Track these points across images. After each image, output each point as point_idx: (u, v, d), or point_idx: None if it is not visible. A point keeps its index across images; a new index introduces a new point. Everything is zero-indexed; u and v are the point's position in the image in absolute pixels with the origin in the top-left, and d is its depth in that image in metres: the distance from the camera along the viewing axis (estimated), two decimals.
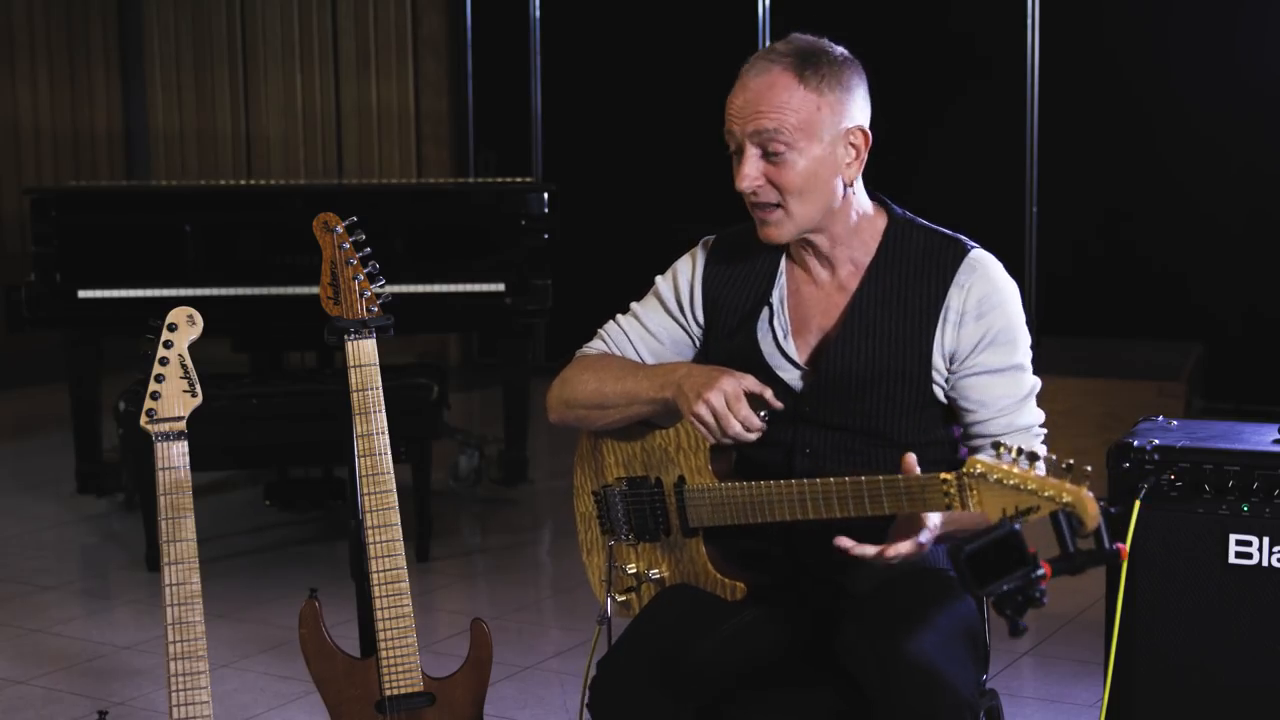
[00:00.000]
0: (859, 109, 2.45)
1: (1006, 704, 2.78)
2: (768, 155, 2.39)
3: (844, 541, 2.25)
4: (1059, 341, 6.85)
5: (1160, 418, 3.04)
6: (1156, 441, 2.83)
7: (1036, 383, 2.48)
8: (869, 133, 2.46)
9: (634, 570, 2.57)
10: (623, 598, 2.59)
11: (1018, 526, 1.95)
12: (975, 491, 2.10)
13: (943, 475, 2.17)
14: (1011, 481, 2.04)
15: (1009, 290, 2.46)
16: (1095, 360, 6.48)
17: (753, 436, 2.39)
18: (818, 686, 2.47)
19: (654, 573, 2.55)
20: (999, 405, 2.44)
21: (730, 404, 2.36)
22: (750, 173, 2.40)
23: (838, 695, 2.41)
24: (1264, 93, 7.10)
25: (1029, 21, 7.53)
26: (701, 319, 2.61)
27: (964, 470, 2.11)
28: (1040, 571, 1.92)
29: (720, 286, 2.58)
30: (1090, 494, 1.97)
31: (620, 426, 2.57)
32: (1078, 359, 6.25)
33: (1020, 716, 3.77)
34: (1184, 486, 2.79)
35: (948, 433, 2.52)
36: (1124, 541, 1.98)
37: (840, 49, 2.46)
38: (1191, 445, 2.82)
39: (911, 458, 2.25)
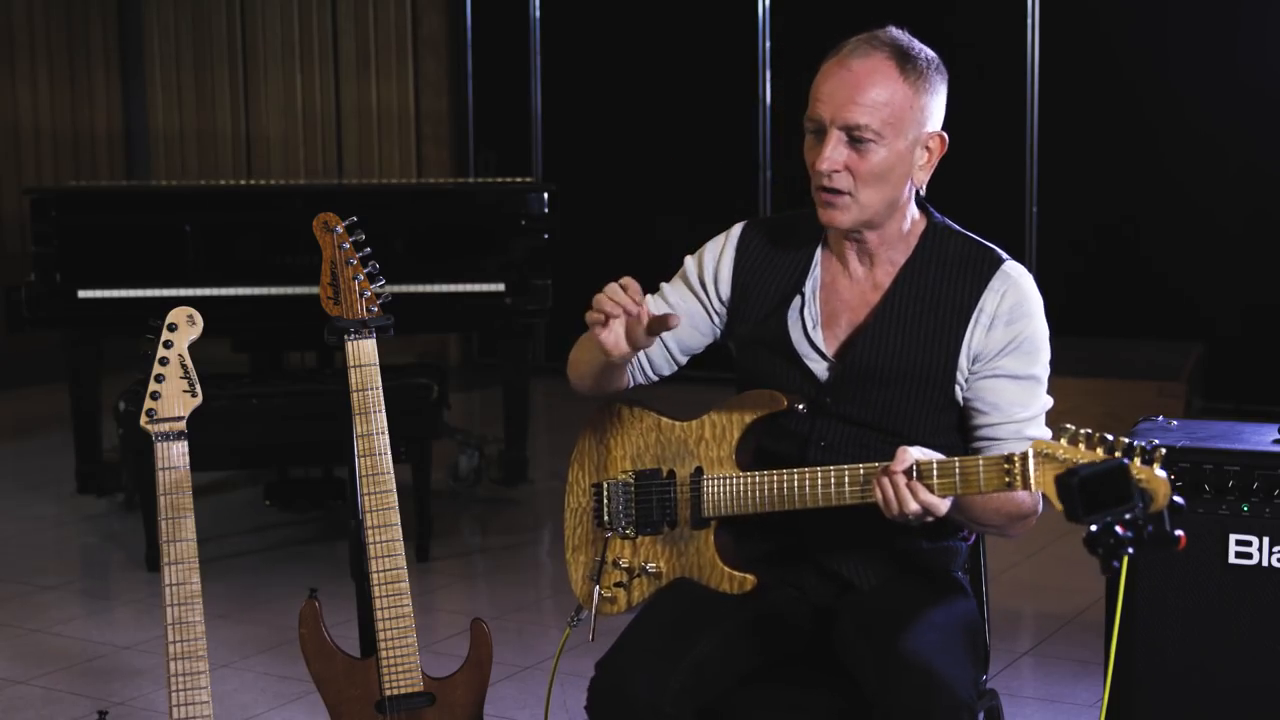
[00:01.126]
0: (940, 114, 2.47)
1: (1006, 704, 2.78)
2: (853, 141, 2.39)
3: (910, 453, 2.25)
4: (1059, 341, 6.84)
5: (1160, 418, 3.04)
6: (1156, 441, 2.83)
7: (1050, 402, 2.49)
8: (946, 139, 2.47)
9: (627, 564, 2.56)
10: (609, 593, 2.57)
11: (1126, 461, 1.96)
12: (1041, 470, 2.12)
13: (1006, 454, 2.18)
14: (1083, 461, 2.05)
15: (1039, 304, 2.48)
16: (1095, 360, 6.48)
17: (618, 306, 2.39)
18: (817, 685, 2.47)
19: (650, 566, 2.54)
20: (1010, 411, 2.44)
21: (607, 291, 2.40)
22: (833, 156, 2.39)
23: (837, 694, 2.41)
24: (1264, 93, 7.10)
25: (1029, 22, 7.53)
26: (726, 299, 2.61)
27: (1032, 450, 2.13)
28: (1139, 510, 1.93)
29: (751, 272, 2.58)
30: (1163, 474, 1.98)
31: (611, 382, 2.60)
32: (1078, 359, 6.25)
33: (1020, 716, 3.77)
34: (1184, 486, 2.79)
35: (961, 438, 2.52)
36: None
37: (931, 51, 2.48)
38: (1191, 445, 2.82)
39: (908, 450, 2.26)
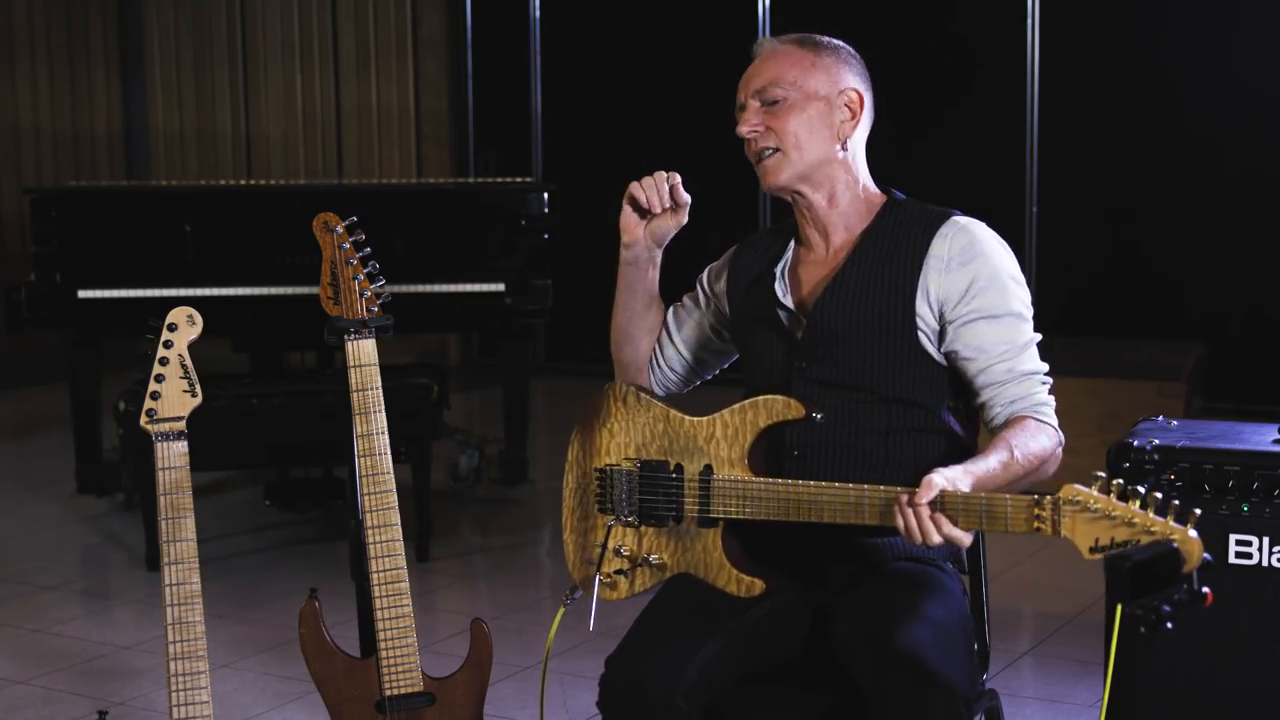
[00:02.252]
0: (854, 78, 2.60)
1: (1006, 704, 2.78)
2: (766, 104, 2.57)
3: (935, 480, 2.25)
4: (1059, 341, 6.86)
5: (1160, 418, 3.03)
6: (1156, 441, 2.83)
7: (1037, 336, 2.52)
8: (864, 96, 2.59)
9: (629, 553, 2.55)
10: (609, 580, 2.56)
11: (1175, 546, 1.95)
12: (1071, 518, 2.10)
13: (1035, 496, 2.16)
14: (1115, 514, 2.04)
15: (993, 243, 2.52)
16: (1095, 360, 6.47)
17: (656, 194, 2.66)
18: (818, 685, 2.47)
19: (653, 557, 2.52)
20: (998, 351, 2.47)
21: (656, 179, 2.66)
22: (750, 119, 2.58)
23: (837, 694, 2.41)
24: (1263, 93, 7.10)
25: (1029, 21, 7.53)
26: (719, 290, 2.76)
27: (1062, 496, 2.11)
28: (1184, 592, 1.94)
29: (742, 266, 2.73)
30: (1196, 536, 1.97)
31: (645, 313, 2.75)
32: (1078, 359, 6.25)
33: (1020, 716, 3.77)
34: (1184, 486, 2.79)
35: (936, 397, 2.52)
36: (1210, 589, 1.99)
37: (841, 42, 2.65)
38: (1191, 445, 2.82)
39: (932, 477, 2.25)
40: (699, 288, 2.80)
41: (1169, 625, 1.92)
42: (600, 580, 2.55)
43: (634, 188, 2.67)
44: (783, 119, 2.56)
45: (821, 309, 2.54)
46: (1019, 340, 2.48)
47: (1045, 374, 2.50)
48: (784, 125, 2.56)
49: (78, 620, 4.66)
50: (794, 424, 2.49)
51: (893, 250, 2.53)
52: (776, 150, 2.57)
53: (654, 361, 2.79)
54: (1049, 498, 2.13)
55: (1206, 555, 1.98)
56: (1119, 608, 2.33)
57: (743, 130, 2.59)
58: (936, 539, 2.22)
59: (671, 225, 2.67)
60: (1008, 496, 2.20)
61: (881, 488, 2.32)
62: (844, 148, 2.58)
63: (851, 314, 2.52)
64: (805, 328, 2.55)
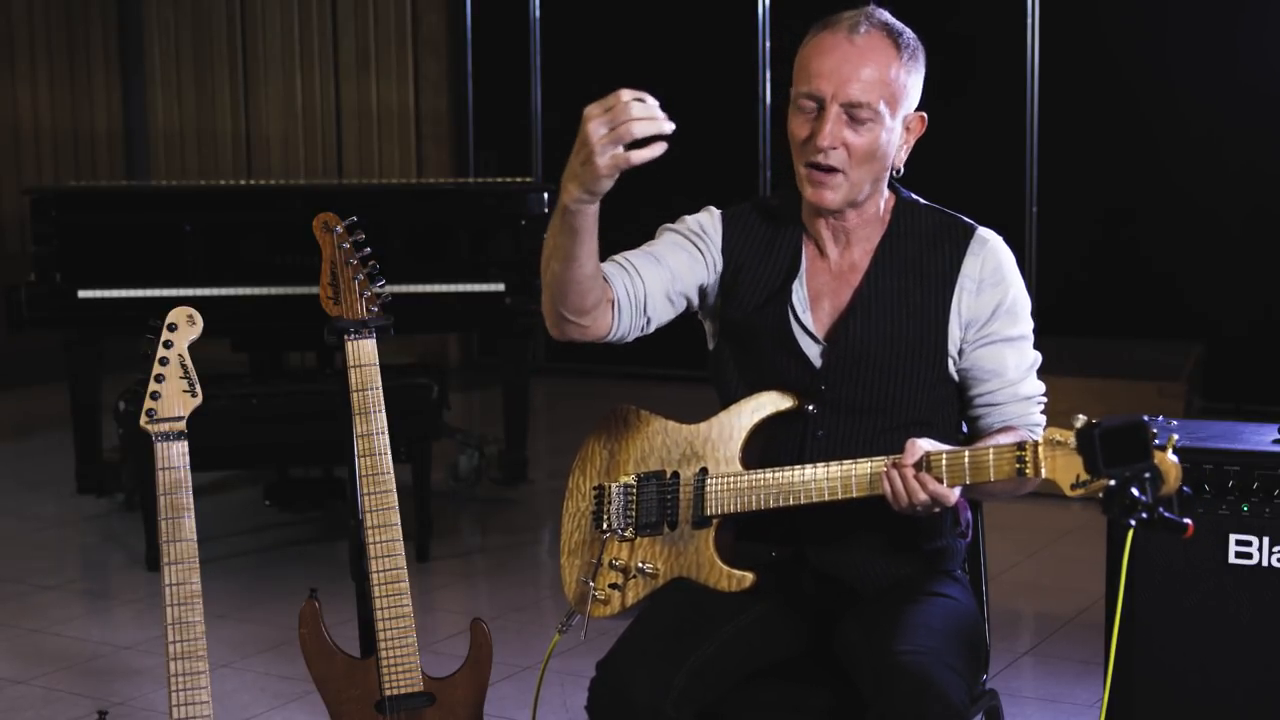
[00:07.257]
0: (919, 95, 2.51)
1: (1006, 704, 2.78)
2: (852, 120, 2.41)
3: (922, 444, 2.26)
4: (1059, 341, 6.86)
5: (1160, 418, 3.03)
6: (1173, 424, 2.83)
7: (1039, 356, 2.52)
8: (925, 119, 2.51)
9: (623, 565, 2.54)
10: (603, 595, 2.56)
11: (1147, 419, 2.01)
12: (1052, 458, 2.13)
13: (1018, 441, 2.20)
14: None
15: (1012, 263, 2.52)
16: (1095, 360, 6.47)
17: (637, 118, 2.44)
18: (817, 686, 2.47)
19: (647, 566, 2.53)
20: (1010, 376, 2.47)
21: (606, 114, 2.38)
22: (834, 133, 2.40)
23: (836, 695, 2.41)
24: (1264, 92, 7.10)
25: (1029, 21, 7.53)
26: (719, 264, 2.57)
27: (1045, 438, 2.14)
28: (1157, 472, 1.97)
29: (742, 254, 2.57)
30: (1174, 459, 2.02)
31: (585, 255, 2.52)
32: (1078, 359, 6.25)
33: (1020, 716, 3.77)
34: None
35: (948, 414, 2.53)
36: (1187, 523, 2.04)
37: (911, 31, 2.51)
38: (1191, 445, 2.82)
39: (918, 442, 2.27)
40: (688, 235, 2.57)
41: (1145, 514, 1.97)
42: (594, 596, 2.55)
43: (635, 125, 2.45)
44: (863, 141, 2.41)
45: (850, 333, 2.48)
46: (1025, 363, 2.49)
47: (1042, 395, 2.51)
48: (863, 149, 2.41)
49: (78, 620, 4.66)
50: (809, 438, 2.49)
51: (918, 266, 2.48)
52: (842, 173, 2.42)
53: (625, 298, 2.52)
54: (1030, 441, 2.18)
55: (1185, 488, 2.03)
56: (1118, 608, 2.34)
57: (823, 143, 2.39)
58: (922, 497, 2.24)
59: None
60: (990, 448, 2.22)
61: (869, 463, 2.34)
62: (894, 168, 2.49)
63: (882, 338, 2.47)
64: (828, 351, 2.50)
